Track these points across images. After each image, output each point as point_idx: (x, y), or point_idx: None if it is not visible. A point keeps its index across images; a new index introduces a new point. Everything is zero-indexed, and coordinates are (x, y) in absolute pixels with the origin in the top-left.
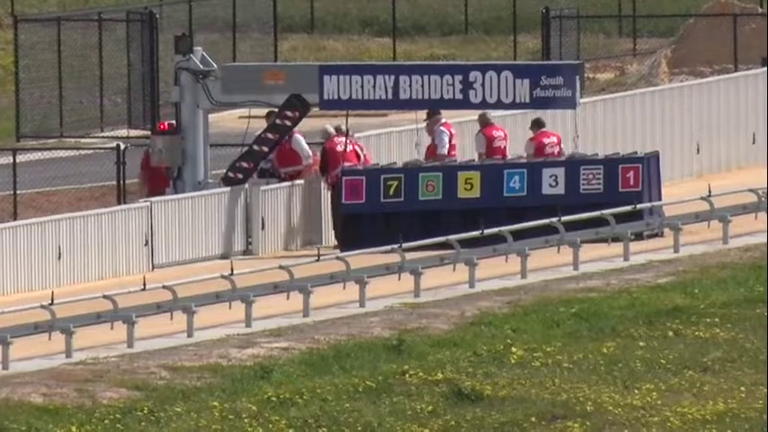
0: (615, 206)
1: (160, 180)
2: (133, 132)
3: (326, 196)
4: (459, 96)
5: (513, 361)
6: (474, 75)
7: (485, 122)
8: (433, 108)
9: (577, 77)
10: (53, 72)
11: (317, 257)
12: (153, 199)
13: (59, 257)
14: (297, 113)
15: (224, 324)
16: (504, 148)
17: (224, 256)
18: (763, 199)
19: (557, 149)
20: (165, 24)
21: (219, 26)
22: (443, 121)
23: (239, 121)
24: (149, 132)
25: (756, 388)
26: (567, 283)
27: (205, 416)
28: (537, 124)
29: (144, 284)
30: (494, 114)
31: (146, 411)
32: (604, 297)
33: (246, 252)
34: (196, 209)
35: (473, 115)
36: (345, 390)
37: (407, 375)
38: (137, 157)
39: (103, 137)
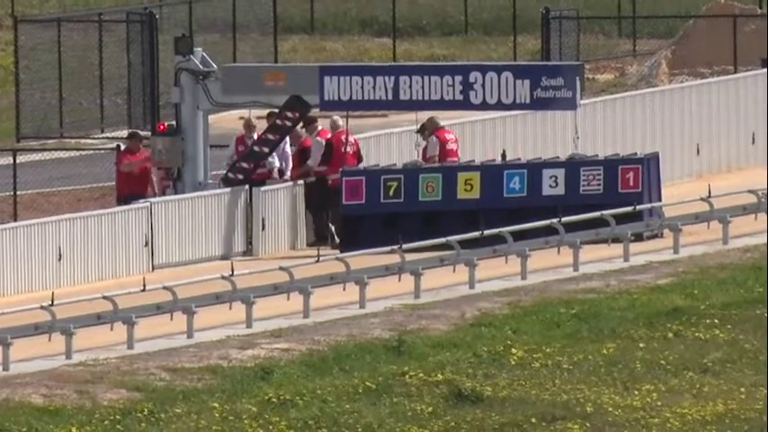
0: (615, 207)
1: (137, 183)
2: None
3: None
4: (459, 97)
5: (513, 362)
6: (474, 75)
7: (435, 126)
8: (310, 115)
9: (578, 78)
10: (53, 73)
11: (317, 258)
12: (153, 200)
13: (60, 258)
14: (297, 114)
15: (224, 325)
16: (456, 150)
17: (224, 257)
18: (763, 200)
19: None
20: (165, 25)
21: (219, 27)
22: (320, 128)
23: (239, 122)
24: (149, 133)
25: (756, 389)
26: (566, 284)
27: (205, 417)
28: (437, 125)
29: (144, 285)
30: (494, 115)
31: (146, 412)
32: (604, 298)
33: (247, 253)
34: (196, 210)
35: (472, 116)
36: (345, 391)
37: (407, 376)
38: None
39: (104, 138)
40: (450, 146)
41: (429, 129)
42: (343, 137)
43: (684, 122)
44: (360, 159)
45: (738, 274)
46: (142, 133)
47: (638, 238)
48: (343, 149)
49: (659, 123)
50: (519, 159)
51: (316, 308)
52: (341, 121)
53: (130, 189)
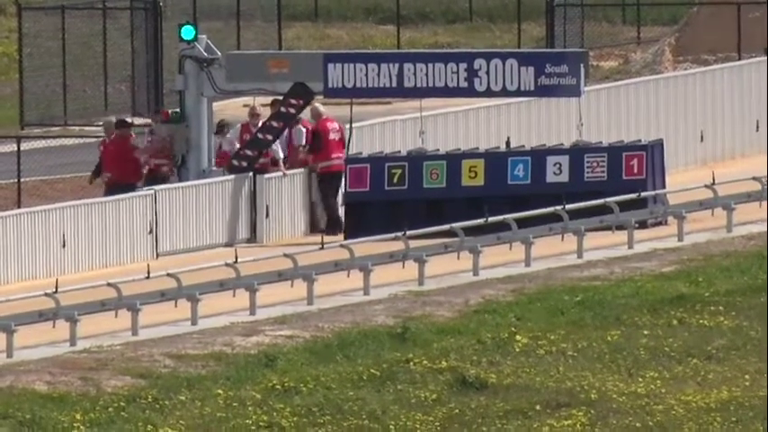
0: (619, 194)
1: (126, 169)
2: (137, 120)
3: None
4: (463, 84)
5: (517, 349)
6: (479, 63)
7: (319, 116)
8: (438, 95)
9: (582, 65)
10: (57, 60)
11: (321, 245)
12: (157, 187)
13: (64, 245)
14: (301, 101)
15: (228, 312)
16: (338, 140)
17: (228, 244)
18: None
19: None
20: (170, 12)
21: (223, 14)
22: (238, 126)
23: (243, 109)
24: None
25: (761, 376)
26: (571, 272)
27: (209, 404)
28: (320, 114)
29: (148, 272)
30: (497, 102)
31: (150, 399)
32: (608, 285)
33: (251, 240)
34: (200, 197)
35: (476, 103)
36: (349, 378)
37: (412, 363)
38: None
39: None
40: (333, 135)
41: (314, 118)
42: (328, 124)
43: (688, 109)
44: (346, 146)
45: (742, 261)
46: (146, 120)
47: (643, 225)
48: (329, 137)
49: (663, 110)
50: (523, 146)
51: (320, 295)
52: (322, 109)
53: (122, 176)
